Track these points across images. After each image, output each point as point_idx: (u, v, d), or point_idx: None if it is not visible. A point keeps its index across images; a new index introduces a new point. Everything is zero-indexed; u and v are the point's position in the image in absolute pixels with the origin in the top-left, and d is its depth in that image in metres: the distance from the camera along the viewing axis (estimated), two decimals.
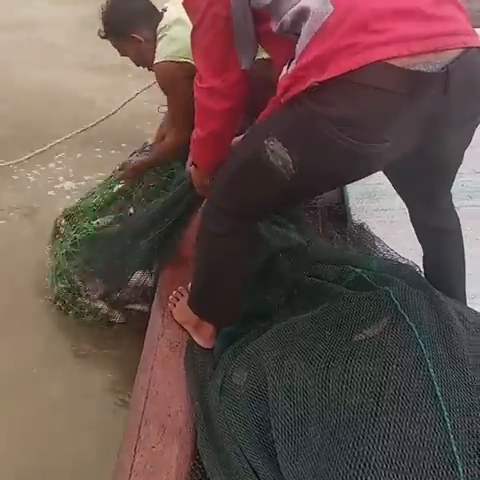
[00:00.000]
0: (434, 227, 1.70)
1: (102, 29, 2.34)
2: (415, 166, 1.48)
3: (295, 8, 1.25)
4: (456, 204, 2.42)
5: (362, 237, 2.20)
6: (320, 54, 1.21)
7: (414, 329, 1.42)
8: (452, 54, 1.20)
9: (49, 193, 3.55)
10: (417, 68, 1.18)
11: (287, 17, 1.28)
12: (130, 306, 2.50)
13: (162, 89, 2.33)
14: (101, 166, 3.59)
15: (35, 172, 3.72)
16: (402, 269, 1.74)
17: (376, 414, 1.26)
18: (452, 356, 1.37)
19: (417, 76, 1.18)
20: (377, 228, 2.26)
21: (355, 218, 2.36)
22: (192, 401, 1.60)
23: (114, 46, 2.40)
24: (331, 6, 1.21)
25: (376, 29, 1.18)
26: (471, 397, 1.29)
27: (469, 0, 4.00)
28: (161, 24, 2.26)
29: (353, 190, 2.51)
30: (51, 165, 3.81)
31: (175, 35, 2.20)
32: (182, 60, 2.17)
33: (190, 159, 1.94)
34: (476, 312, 1.62)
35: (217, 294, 1.73)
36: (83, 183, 3.58)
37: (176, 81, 2.20)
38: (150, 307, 2.10)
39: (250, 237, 1.68)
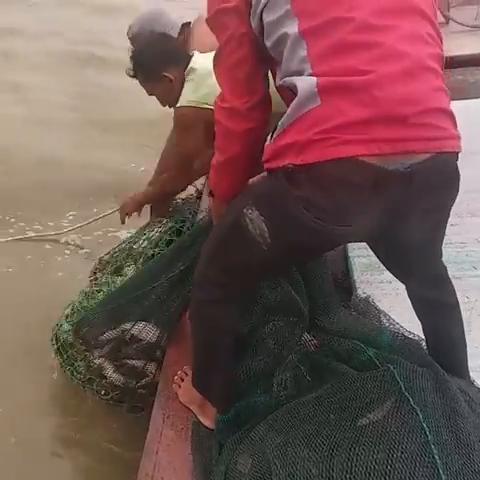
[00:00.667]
0: (430, 300, 1.71)
1: (130, 68, 2.40)
2: (388, 246, 1.56)
3: (292, 81, 1.33)
4: (460, 274, 2.44)
5: (367, 311, 2.19)
6: (299, 139, 1.29)
7: (419, 412, 1.40)
8: (421, 157, 1.28)
9: None
10: (383, 165, 1.26)
11: (287, 80, 1.36)
12: (126, 361, 2.37)
13: (175, 128, 2.44)
14: None
15: None
16: (408, 345, 1.72)
17: None
18: (458, 441, 1.35)
19: (381, 172, 1.27)
20: (382, 301, 2.25)
21: (360, 291, 2.36)
22: None
23: (142, 85, 2.44)
24: (319, 100, 1.27)
25: (357, 132, 1.24)
26: None
27: (463, 73, 4.17)
28: (189, 66, 2.35)
29: (357, 262, 2.52)
30: None
31: (201, 80, 2.29)
32: (205, 107, 2.23)
33: (208, 189, 1.98)
34: (474, 386, 1.60)
35: (214, 368, 1.72)
36: None
37: (193, 127, 2.29)
38: (145, 365, 2.07)
39: (237, 306, 1.71)
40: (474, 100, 3.78)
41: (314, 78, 1.28)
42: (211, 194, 1.76)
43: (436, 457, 1.30)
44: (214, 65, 1.54)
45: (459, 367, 1.69)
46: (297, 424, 1.49)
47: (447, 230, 2.71)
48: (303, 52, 1.30)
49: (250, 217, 1.40)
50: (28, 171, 4.29)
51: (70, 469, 2.32)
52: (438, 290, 1.70)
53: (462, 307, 2.28)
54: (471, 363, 2.01)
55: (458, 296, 2.24)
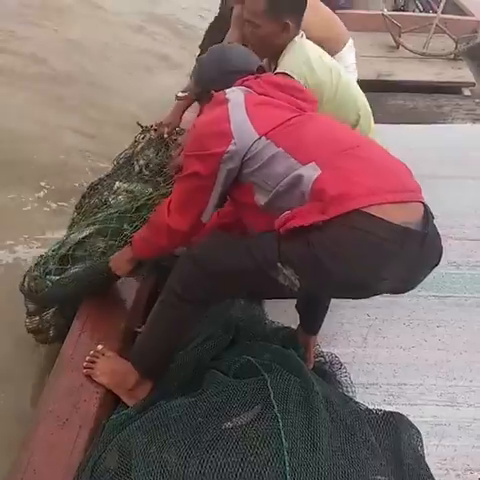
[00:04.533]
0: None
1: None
2: None
3: (288, 179, 1.50)
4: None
5: None
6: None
7: (280, 420, 1.46)
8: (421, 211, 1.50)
9: None
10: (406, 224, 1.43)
11: (279, 188, 1.53)
12: None
13: None
14: None
15: None
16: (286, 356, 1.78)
17: None
18: (310, 450, 1.41)
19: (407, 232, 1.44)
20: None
21: None
22: None
23: (258, 13, 2.20)
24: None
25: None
26: None
27: (404, 98, 4.30)
28: (302, 36, 2.27)
29: None
30: None
31: (309, 60, 2.21)
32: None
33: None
34: (344, 399, 1.68)
35: (165, 351, 1.79)
36: None
37: None
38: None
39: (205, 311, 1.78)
40: (411, 125, 3.92)
41: None
42: (130, 242, 1.93)
43: (286, 464, 1.36)
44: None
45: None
46: (165, 424, 1.53)
47: None
48: None
49: (284, 272, 1.47)
50: None
51: None
52: None
53: (362, 324, 2.39)
54: (361, 379, 2.11)
55: (359, 312, 2.36)
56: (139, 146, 2.95)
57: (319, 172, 1.47)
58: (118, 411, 1.76)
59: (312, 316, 2.03)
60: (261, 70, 1.86)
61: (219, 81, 1.77)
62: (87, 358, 1.89)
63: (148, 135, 2.99)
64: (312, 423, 1.47)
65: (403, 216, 1.43)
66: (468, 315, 2.39)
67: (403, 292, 1.67)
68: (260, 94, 1.72)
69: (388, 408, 1.82)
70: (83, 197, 2.80)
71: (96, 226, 2.33)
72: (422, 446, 1.70)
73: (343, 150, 1.54)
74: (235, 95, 1.70)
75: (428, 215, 1.51)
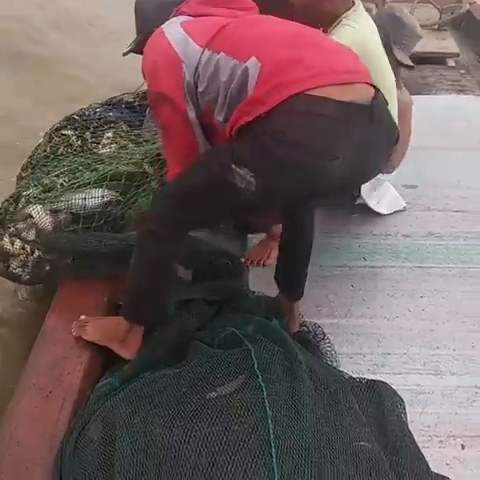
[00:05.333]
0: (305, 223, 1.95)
1: None
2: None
3: (240, 74, 1.47)
4: (351, 264, 2.53)
5: None
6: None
7: (264, 389, 1.47)
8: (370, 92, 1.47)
9: None
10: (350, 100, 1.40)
11: (230, 96, 1.50)
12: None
13: None
14: None
15: None
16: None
17: (210, 474, 1.29)
18: (294, 418, 1.41)
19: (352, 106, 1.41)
20: None
21: None
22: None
23: None
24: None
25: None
26: (306, 460, 1.33)
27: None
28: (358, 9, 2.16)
29: None
30: None
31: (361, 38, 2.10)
32: None
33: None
34: (328, 368, 1.69)
35: (153, 296, 1.78)
36: None
37: None
38: None
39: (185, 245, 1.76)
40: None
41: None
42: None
43: (271, 432, 1.36)
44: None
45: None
46: (150, 395, 1.53)
47: (347, 220, 2.83)
48: None
49: (238, 172, 1.45)
50: None
51: None
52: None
53: (346, 295, 2.40)
54: (345, 349, 2.12)
55: (343, 283, 2.36)
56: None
57: (259, 65, 1.44)
58: (102, 381, 1.75)
59: (291, 282, 2.04)
60: None
61: (159, 18, 1.74)
62: (75, 324, 1.90)
63: None
64: (296, 392, 1.48)
65: (348, 96, 1.41)
66: (451, 285, 2.40)
67: (357, 184, 1.63)
68: (195, 16, 1.69)
69: (372, 377, 1.84)
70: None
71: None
72: (405, 413, 1.72)
73: (285, 41, 1.51)
74: (170, 24, 1.67)
75: (378, 95, 1.49)
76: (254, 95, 1.44)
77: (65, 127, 2.68)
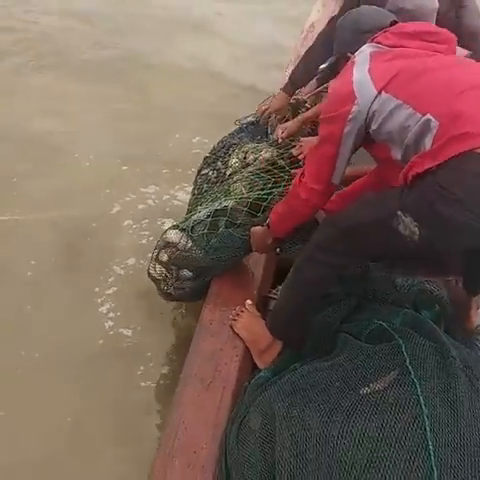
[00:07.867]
0: None
1: None
2: None
3: (416, 127, 1.50)
4: None
5: None
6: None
7: (417, 386, 1.49)
8: None
9: None
10: None
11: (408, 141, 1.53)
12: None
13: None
14: None
15: None
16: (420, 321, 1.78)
17: (368, 469, 1.34)
18: (451, 415, 1.42)
19: None
20: None
21: None
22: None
23: None
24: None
25: None
26: (463, 458, 1.34)
27: None
28: None
29: None
30: None
31: None
32: None
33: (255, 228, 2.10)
34: None
35: (300, 317, 1.88)
36: None
37: None
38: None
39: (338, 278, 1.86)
40: None
41: None
42: (267, 225, 2.00)
43: (427, 429, 1.39)
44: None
45: None
46: (305, 389, 1.61)
47: None
48: None
49: (403, 220, 1.51)
50: None
51: None
52: None
53: None
54: None
55: None
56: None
57: (437, 124, 1.45)
58: (256, 374, 1.86)
59: (475, 275, 1.99)
60: (393, 24, 1.81)
61: (353, 43, 1.78)
62: (235, 311, 2.05)
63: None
64: (451, 388, 1.48)
65: None
66: None
67: None
68: (390, 47, 1.70)
69: None
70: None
71: None
72: None
73: (460, 92, 1.48)
74: (362, 55, 1.70)
75: None
76: (429, 149, 1.47)
77: (203, 167, 2.85)
